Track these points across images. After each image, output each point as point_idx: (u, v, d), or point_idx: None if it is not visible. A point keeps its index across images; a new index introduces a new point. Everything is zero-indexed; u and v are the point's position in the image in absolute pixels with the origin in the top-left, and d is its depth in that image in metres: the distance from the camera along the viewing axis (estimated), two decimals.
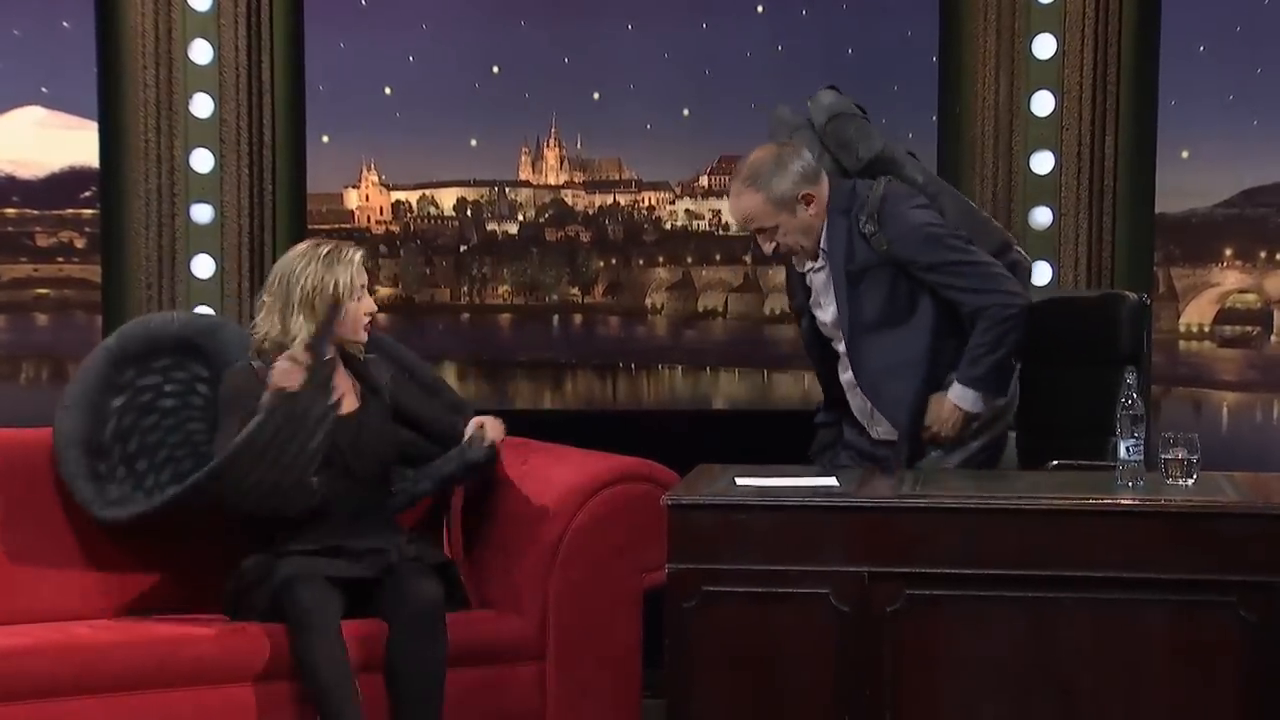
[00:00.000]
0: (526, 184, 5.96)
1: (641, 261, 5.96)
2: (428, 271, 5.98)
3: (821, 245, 4.23)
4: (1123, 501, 3.60)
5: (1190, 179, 5.52)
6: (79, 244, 5.79)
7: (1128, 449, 3.71)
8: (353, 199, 5.96)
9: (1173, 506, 3.57)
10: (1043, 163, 5.49)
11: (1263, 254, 5.53)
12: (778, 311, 5.86)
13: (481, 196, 5.97)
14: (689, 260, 5.95)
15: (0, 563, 4.26)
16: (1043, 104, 5.48)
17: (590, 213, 5.97)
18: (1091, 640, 3.57)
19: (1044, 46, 5.46)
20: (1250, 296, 5.57)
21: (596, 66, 5.80)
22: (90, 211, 5.74)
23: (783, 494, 3.69)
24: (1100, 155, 5.46)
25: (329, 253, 4.24)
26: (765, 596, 3.61)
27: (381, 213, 5.96)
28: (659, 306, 5.95)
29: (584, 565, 4.30)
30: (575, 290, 5.95)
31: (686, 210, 5.93)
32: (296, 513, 4.17)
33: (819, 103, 4.33)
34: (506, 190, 5.96)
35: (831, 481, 3.82)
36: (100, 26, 5.57)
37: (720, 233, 5.92)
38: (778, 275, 5.74)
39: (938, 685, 3.61)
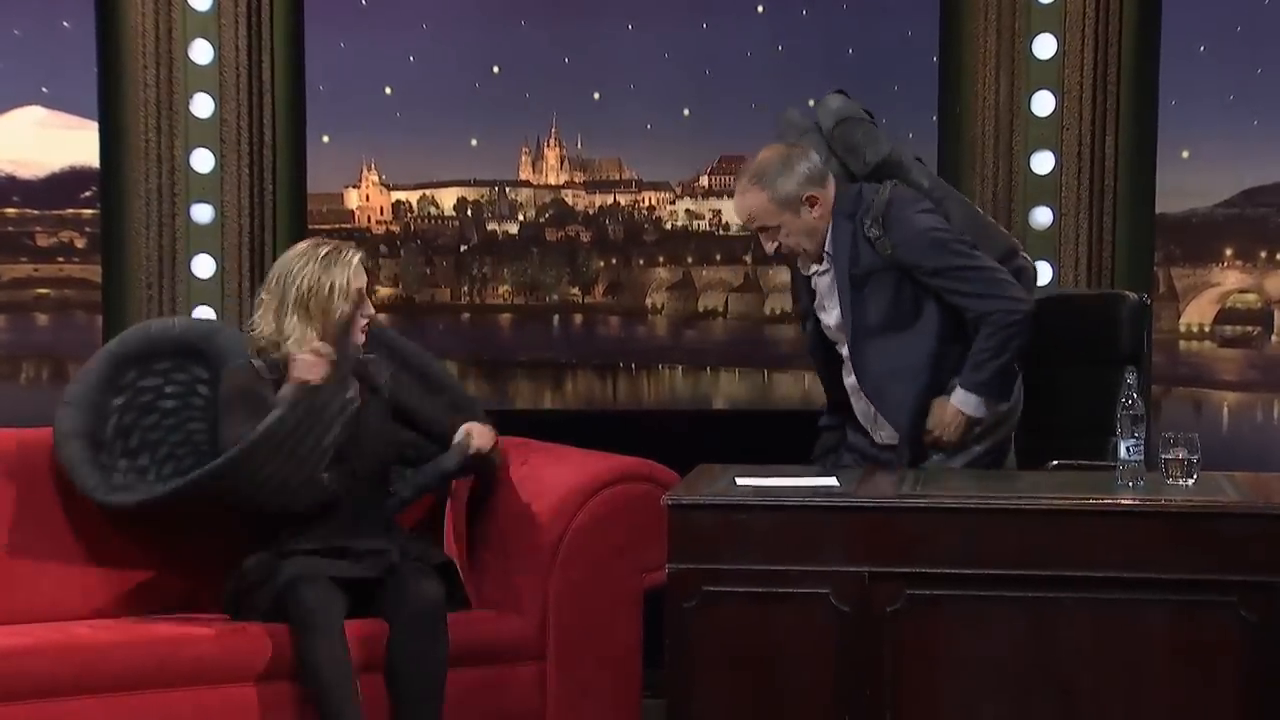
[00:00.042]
0: (527, 184, 5.96)
1: (642, 261, 5.95)
2: (428, 271, 5.98)
3: (826, 249, 4.23)
4: (1123, 501, 3.60)
5: (1190, 179, 5.52)
6: (79, 244, 5.79)
7: (1128, 449, 3.71)
8: (353, 199, 5.96)
9: (1173, 506, 3.56)
10: (1043, 163, 5.48)
11: (1263, 254, 5.53)
12: (778, 311, 5.85)
13: (482, 196, 5.96)
14: (689, 260, 5.94)
15: (0, 562, 4.26)
16: (1043, 104, 5.47)
17: (590, 213, 5.96)
18: (1092, 640, 3.56)
19: (1044, 46, 5.45)
20: (1250, 296, 5.56)
21: (597, 66, 5.80)
22: (90, 211, 5.73)
23: (783, 494, 3.68)
24: (1100, 155, 5.45)
25: (328, 254, 4.23)
26: (765, 596, 3.61)
27: (382, 213, 5.96)
28: (659, 306, 5.95)
29: (584, 565, 4.30)
30: (575, 290, 5.94)
31: (687, 210, 5.92)
32: (305, 508, 4.17)
33: (827, 107, 4.32)
34: (507, 190, 5.96)
35: (832, 481, 3.82)
36: (100, 26, 5.57)
37: (720, 233, 5.92)
38: (778, 275, 5.75)
39: (938, 685, 3.61)
